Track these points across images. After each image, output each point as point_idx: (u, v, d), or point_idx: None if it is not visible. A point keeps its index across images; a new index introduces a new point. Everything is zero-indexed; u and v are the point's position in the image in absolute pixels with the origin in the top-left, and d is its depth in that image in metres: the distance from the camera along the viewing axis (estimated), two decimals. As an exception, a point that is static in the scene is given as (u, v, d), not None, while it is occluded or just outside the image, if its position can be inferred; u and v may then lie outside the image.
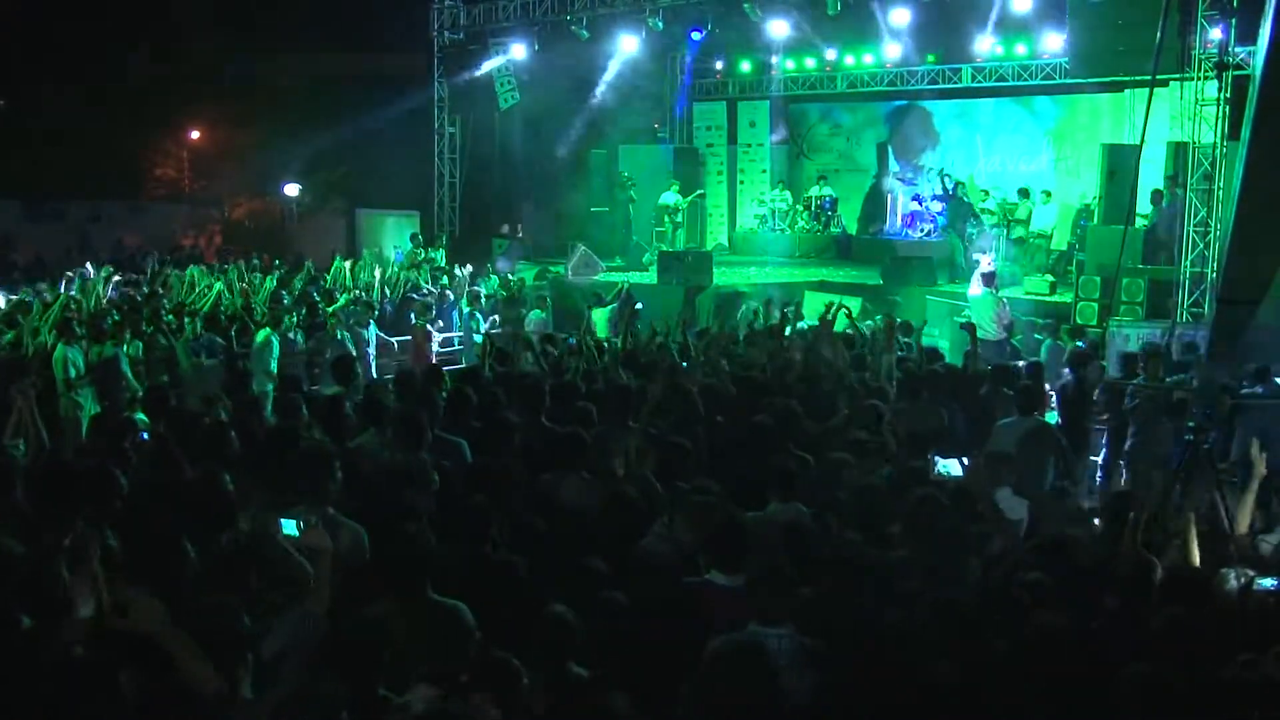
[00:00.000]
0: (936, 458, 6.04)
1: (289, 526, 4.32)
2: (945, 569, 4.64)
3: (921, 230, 20.75)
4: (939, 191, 19.98)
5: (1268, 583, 4.44)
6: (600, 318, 13.11)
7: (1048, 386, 9.62)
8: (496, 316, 14.52)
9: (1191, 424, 8.10)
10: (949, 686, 3.98)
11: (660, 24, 18.53)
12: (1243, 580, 4.57)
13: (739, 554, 4.68)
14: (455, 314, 14.70)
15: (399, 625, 4.17)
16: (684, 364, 8.99)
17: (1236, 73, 13.38)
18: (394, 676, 3.89)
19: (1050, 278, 16.37)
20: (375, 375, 11.83)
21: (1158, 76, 15.97)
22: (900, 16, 18.86)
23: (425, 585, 4.47)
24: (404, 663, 4.06)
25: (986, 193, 19.54)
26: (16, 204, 27.90)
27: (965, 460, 6.01)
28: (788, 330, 10.49)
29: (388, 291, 15.25)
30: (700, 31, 18.85)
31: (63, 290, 13.43)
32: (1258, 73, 7.80)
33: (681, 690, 4.21)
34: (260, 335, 11.52)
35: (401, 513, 5.04)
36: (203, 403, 7.63)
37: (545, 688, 3.96)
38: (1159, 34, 9.34)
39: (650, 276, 17.31)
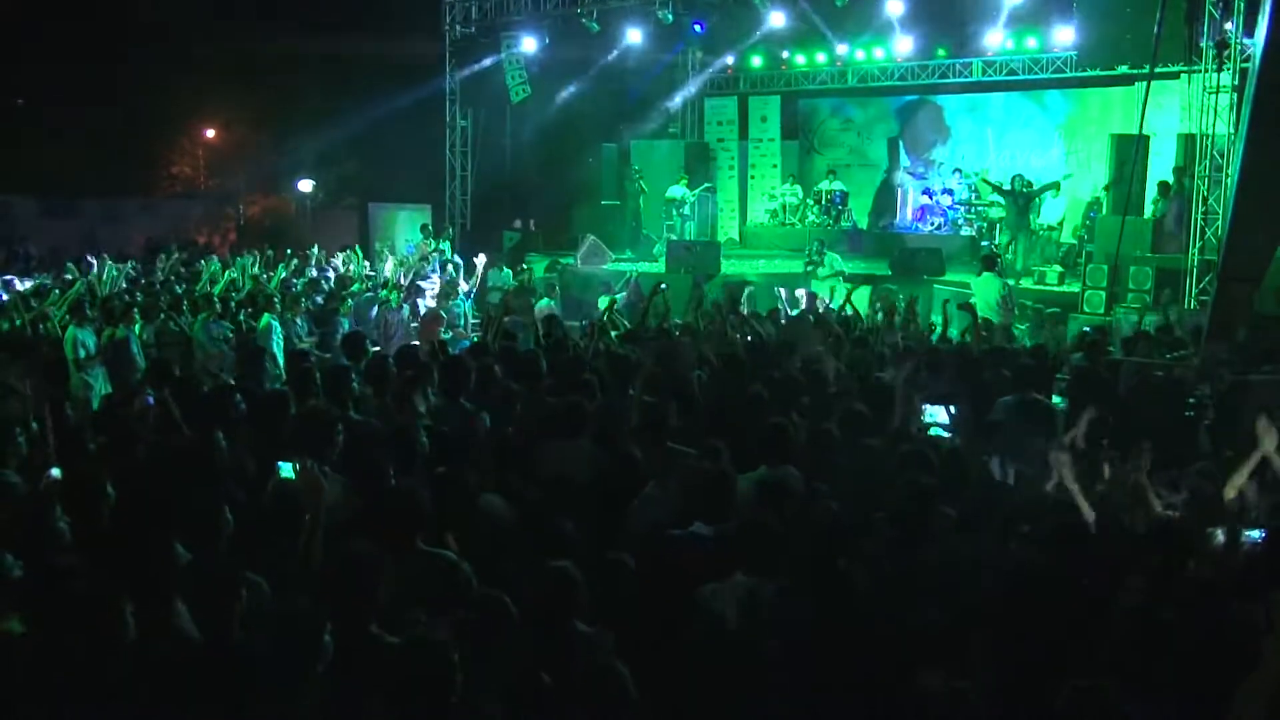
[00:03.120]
0: (924, 405, 6.08)
1: (285, 469, 4.43)
2: (927, 523, 4.68)
3: (932, 224, 20.76)
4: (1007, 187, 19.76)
5: (1254, 534, 4.47)
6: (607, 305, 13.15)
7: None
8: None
9: (1192, 400, 8.17)
10: (925, 636, 4.03)
11: (669, 16, 18.62)
12: (1230, 534, 4.60)
13: (725, 507, 4.74)
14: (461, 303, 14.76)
15: (391, 571, 4.25)
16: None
17: (1244, 64, 13.39)
18: (386, 615, 3.96)
19: (1059, 268, 16.40)
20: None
21: (1166, 68, 16.06)
22: (910, 10, 18.87)
23: (415, 537, 4.55)
24: (396, 605, 4.13)
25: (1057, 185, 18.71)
26: (33, 201, 28.21)
27: (952, 409, 6.04)
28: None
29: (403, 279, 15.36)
30: (702, 25, 18.88)
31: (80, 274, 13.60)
32: (1259, 44, 7.82)
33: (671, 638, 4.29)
34: (262, 321, 11.64)
35: (389, 469, 5.12)
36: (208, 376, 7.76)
37: (546, 643, 4.02)
38: (1156, 24, 9.40)
39: (659, 266, 17.37)
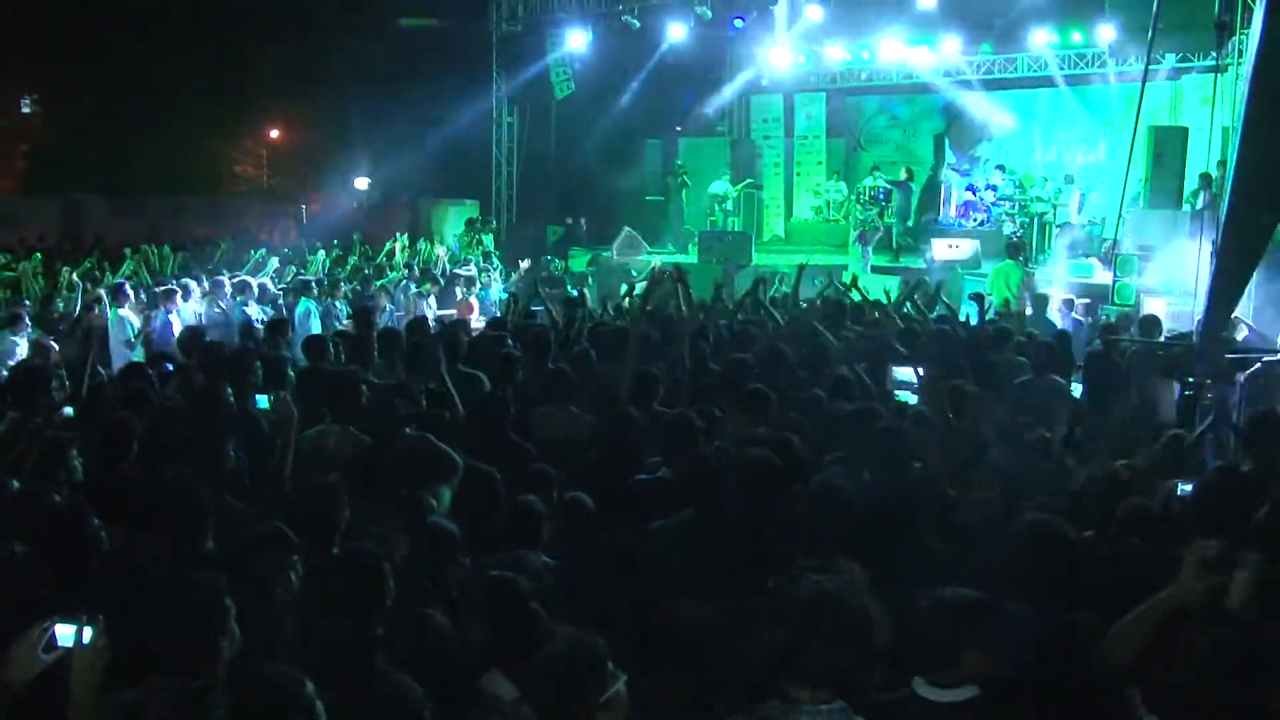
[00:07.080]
0: (894, 368, 6.27)
1: (261, 401, 4.76)
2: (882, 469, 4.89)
3: (975, 220, 20.73)
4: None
5: (1187, 487, 4.62)
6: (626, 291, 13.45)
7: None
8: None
9: (1191, 379, 8.23)
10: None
11: (709, 12, 18.84)
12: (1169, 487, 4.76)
13: (689, 451, 4.99)
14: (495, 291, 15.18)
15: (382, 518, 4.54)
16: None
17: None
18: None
19: (1094, 263, 16.37)
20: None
21: (1206, 61, 16.02)
22: (956, 6, 18.92)
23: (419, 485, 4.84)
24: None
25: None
26: (103, 199, 29.28)
27: (920, 370, 6.23)
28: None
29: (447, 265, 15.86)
30: (743, 19, 19.05)
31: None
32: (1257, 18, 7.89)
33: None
34: (300, 305, 12.08)
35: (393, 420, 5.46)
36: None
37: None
38: (1154, 10, 9.52)
39: (691, 255, 17.60)
